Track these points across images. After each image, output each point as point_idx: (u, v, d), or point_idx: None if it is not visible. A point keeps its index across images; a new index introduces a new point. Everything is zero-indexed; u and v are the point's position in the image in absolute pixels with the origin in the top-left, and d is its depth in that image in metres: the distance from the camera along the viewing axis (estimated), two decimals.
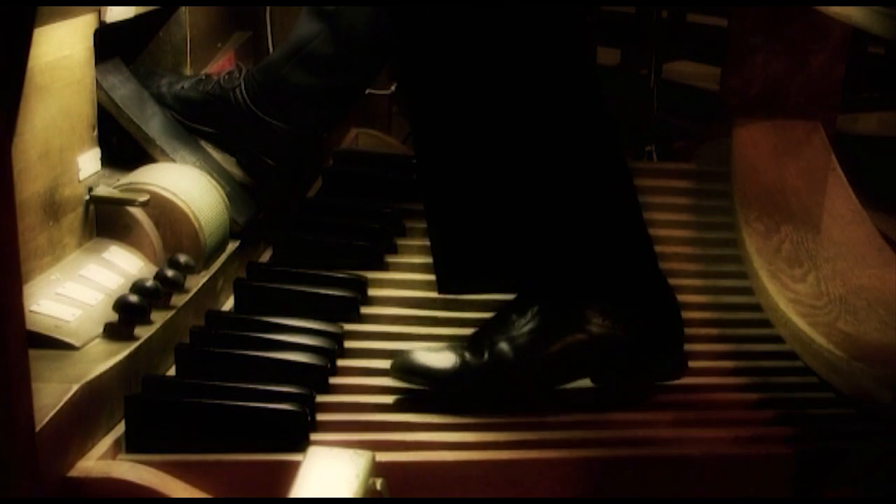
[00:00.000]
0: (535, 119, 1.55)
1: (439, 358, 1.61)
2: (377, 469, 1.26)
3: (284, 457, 1.42)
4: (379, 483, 1.23)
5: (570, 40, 1.55)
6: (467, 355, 1.60)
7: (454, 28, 1.51)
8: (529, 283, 1.64)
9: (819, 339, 1.69)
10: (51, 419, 1.29)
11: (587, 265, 1.61)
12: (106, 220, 1.70)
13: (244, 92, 2.00)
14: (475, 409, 1.59)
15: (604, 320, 1.60)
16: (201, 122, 2.00)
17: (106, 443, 1.42)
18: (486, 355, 1.60)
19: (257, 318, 1.75)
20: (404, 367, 1.61)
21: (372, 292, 1.93)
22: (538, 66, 1.53)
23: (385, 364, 1.68)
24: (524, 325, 1.61)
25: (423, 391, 1.61)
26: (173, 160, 1.88)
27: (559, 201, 1.58)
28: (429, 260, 1.72)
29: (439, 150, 1.60)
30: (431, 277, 1.71)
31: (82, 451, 1.38)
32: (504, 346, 1.60)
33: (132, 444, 1.45)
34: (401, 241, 2.11)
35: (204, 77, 2.03)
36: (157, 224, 1.74)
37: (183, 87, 2.00)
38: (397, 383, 1.62)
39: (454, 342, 1.66)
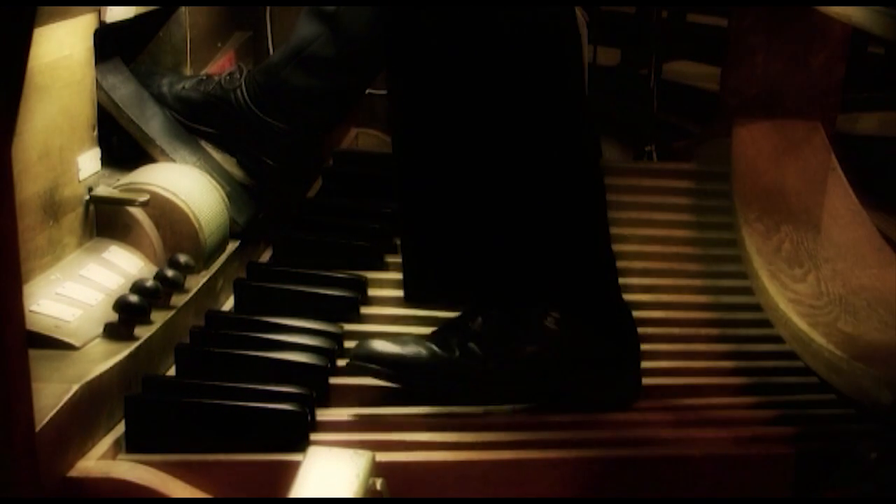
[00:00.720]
0: (514, 128, 1.54)
1: (406, 348, 1.60)
2: (377, 469, 1.26)
3: (284, 457, 1.42)
4: (379, 483, 1.23)
5: (562, 52, 1.55)
6: (436, 348, 1.60)
7: (450, 32, 1.51)
8: (493, 297, 1.63)
9: (819, 339, 1.69)
10: (51, 419, 1.29)
11: (550, 277, 1.61)
12: (106, 220, 1.70)
13: (245, 92, 2.00)
14: (475, 409, 1.59)
15: (561, 334, 1.60)
16: (202, 123, 2.00)
17: (106, 443, 1.42)
18: (456, 352, 1.60)
19: (257, 318, 1.75)
20: (368, 355, 1.59)
21: (372, 292, 1.93)
22: (524, 78, 1.52)
23: None
24: (485, 331, 1.61)
25: (422, 392, 1.60)
26: (173, 160, 1.88)
27: (530, 213, 1.57)
28: None
29: (419, 157, 1.59)
30: None
31: (82, 451, 1.38)
32: (474, 346, 1.60)
33: (132, 444, 1.45)
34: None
35: (205, 77, 2.03)
36: (157, 224, 1.74)
37: (184, 88, 2.00)
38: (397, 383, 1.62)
39: (415, 336, 1.66)
